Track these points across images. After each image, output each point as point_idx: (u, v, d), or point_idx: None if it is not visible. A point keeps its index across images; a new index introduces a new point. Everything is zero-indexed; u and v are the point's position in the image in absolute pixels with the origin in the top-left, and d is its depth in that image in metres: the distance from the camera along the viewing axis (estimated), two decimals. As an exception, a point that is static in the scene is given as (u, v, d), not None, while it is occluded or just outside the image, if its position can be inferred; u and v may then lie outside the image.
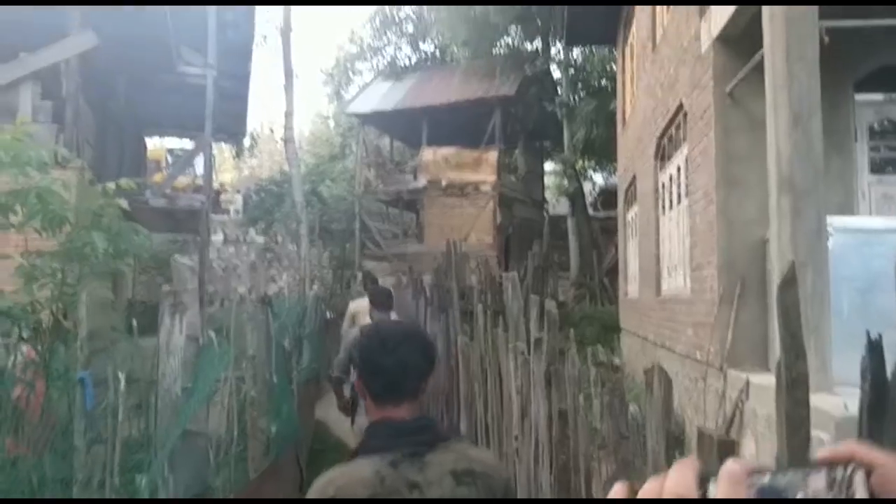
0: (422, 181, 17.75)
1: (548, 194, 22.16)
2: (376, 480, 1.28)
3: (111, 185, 4.11)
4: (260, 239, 18.74)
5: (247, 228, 19.42)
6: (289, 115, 11.78)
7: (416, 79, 20.35)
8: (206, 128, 9.70)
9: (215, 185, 23.03)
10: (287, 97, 11.72)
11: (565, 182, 17.54)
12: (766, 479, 0.39)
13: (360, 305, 6.24)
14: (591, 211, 19.99)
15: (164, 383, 2.26)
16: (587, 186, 22.05)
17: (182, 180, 14.65)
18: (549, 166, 22.81)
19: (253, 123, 42.12)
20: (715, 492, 0.39)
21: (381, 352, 1.38)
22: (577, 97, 17.39)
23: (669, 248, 6.73)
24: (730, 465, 0.39)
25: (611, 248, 18.09)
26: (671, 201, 6.63)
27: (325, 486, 1.32)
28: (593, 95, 16.44)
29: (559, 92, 17.95)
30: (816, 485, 0.39)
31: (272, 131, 13.65)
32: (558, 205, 20.84)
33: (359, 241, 18.49)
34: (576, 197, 17.48)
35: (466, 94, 17.92)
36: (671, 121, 6.33)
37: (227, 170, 37.55)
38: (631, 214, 10.07)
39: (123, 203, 4.09)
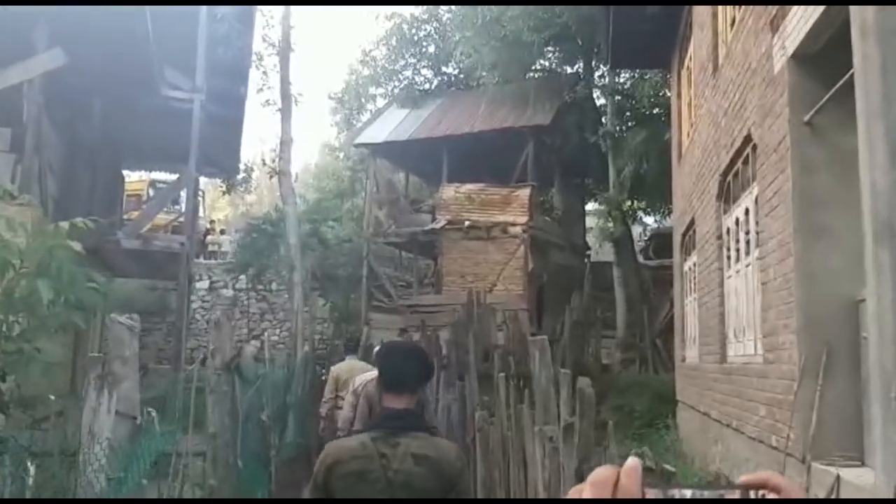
0: (441, 222, 17.74)
1: (589, 238, 21.99)
2: (359, 448, 2.14)
3: (64, 225, 4.01)
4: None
5: (236, 275, 19.44)
6: (285, 144, 11.84)
7: (437, 105, 20.59)
8: (190, 159, 9.74)
9: (205, 224, 23.52)
10: (283, 124, 11.80)
11: (610, 225, 17.29)
12: (687, 492, 0.50)
13: (342, 369, 6.44)
14: (640, 258, 19.90)
15: (86, 473, 2.05)
16: (636, 230, 21.92)
17: (164, 219, 14.77)
18: (590, 206, 22.64)
19: (249, 155, 42.44)
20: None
21: (389, 359, 2.31)
22: (624, 127, 17.36)
23: (736, 305, 6.44)
24: (633, 461, 0.53)
25: (665, 303, 17.81)
26: (738, 250, 6.38)
27: (324, 455, 2.21)
28: (643, 125, 16.33)
29: (603, 121, 17.96)
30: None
31: (265, 163, 13.82)
32: (601, 251, 20.48)
33: (365, 289, 18.49)
34: (622, 242, 17.38)
35: (494, 122, 18.04)
36: (737, 155, 6.15)
37: (222, 207, 38.11)
38: (689, 264, 9.82)
39: (77, 246, 3.98)
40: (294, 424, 6.24)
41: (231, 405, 3.35)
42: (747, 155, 5.89)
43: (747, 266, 5.97)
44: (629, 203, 18.39)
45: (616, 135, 16.96)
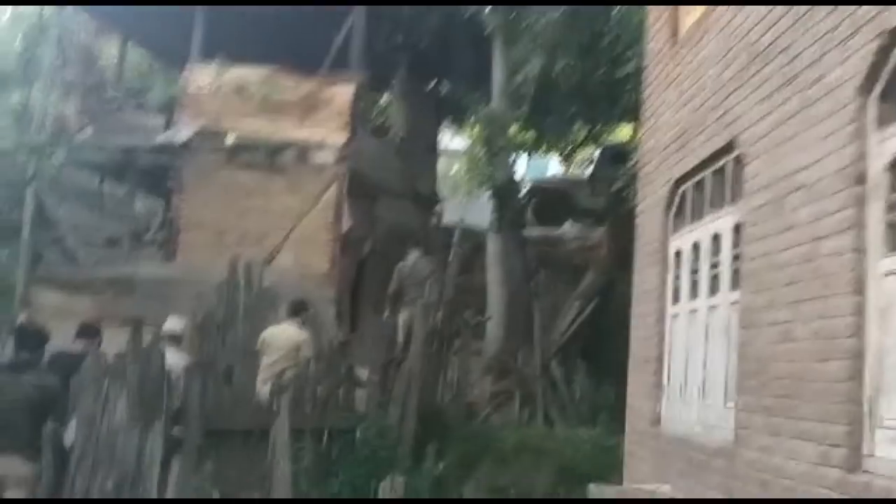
0: (184, 131, 16.70)
1: (443, 187, 22.26)
2: None
3: None
4: None
5: None
6: None
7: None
8: None
9: None
10: None
11: (488, 166, 16.42)
12: None
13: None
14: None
15: None
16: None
17: None
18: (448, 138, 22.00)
19: None
20: None
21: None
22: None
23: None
24: None
25: (567, 300, 17.47)
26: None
27: None
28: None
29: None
30: None
31: None
32: (466, 209, 20.27)
33: (28, 245, 17.07)
34: (507, 196, 16.61)
35: (293, -38, 17.23)
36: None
37: None
38: (692, 239, 7.82)
39: None
40: None
41: None
42: None
43: None
44: (520, 129, 17.26)
45: (510, 8, 15.91)
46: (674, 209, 8.46)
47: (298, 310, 11.16)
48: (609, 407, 14.01)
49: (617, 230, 17.40)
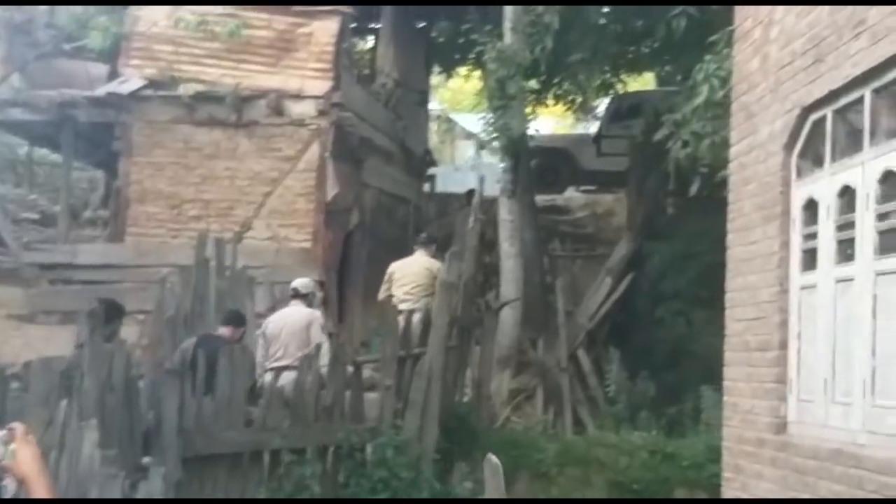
0: (133, 80, 16.12)
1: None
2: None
3: None
4: None
5: None
6: None
7: None
8: None
9: None
10: None
11: (494, 117, 15.56)
12: None
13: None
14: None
15: None
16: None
17: None
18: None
19: None
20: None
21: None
22: None
23: None
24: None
25: (590, 278, 17.11)
26: None
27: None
28: None
29: None
30: None
31: None
32: (458, 171, 20.87)
33: None
34: (520, 154, 15.90)
35: None
36: None
37: None
38: (841, 183, 6.69)
39: None
40: None
41: None
42: None
43: None
44: (535, 72, 16.30)
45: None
46: (798, 146, 7.37)
47: (430, 241, 12.39)
48: (651, 403, 13.56)
49: (641, 193, 16.60)
